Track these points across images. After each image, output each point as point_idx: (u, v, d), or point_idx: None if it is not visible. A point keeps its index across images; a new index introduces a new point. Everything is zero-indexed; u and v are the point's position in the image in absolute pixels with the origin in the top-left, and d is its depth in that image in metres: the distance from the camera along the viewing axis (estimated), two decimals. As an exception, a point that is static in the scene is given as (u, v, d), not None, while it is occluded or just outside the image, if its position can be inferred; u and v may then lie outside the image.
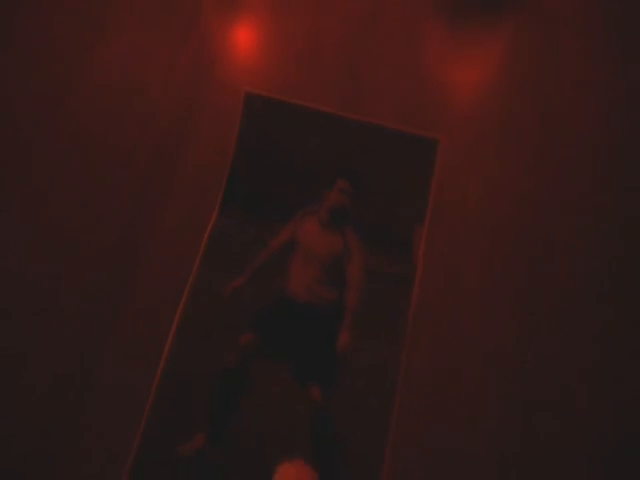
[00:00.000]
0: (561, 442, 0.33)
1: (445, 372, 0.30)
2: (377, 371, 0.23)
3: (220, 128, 0.38)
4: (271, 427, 0.18)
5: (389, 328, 0.24)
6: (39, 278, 0.39)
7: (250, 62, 0.39)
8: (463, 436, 0.32)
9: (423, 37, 0.44)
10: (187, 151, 0.39)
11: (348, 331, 0.24)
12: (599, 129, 0.45)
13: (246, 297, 0.26)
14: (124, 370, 0.32)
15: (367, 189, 0.27)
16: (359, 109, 0.35)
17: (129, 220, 0.41)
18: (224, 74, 0.41)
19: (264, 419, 0.24)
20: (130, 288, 0.37)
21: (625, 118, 0.47)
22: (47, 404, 0.33)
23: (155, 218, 0.39)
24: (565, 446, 0.33)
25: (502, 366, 0.35)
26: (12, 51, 0.44)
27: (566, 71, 0.45)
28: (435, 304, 0.31)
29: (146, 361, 0.31)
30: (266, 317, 0.25)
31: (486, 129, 0.43)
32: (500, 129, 0.44)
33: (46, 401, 0.34)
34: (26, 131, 0.41)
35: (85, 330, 0.37)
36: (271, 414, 0.24)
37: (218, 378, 0.23)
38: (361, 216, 0.26)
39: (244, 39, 0.40)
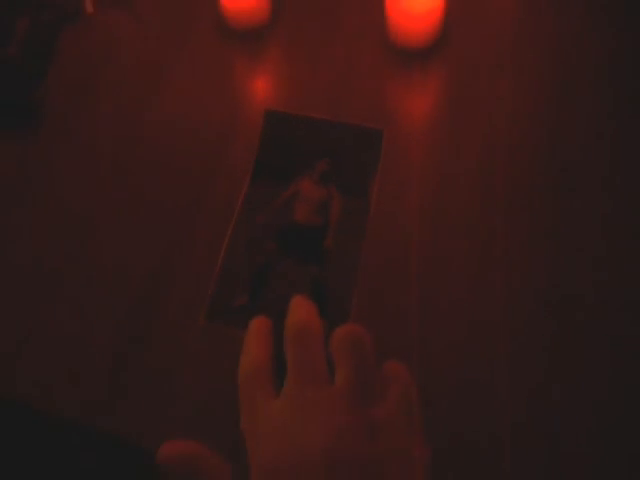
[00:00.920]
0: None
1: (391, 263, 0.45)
2: (346, 257, 0.44)
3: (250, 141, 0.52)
4: (287, 292, 0.31)
5: (354, 235, 0.46)
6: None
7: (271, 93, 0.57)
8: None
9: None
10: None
11: (330, 238, 0.45)
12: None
13: (270, 223, 0.47)
14: (199, 261, 0.46)
15: (340, 162, 0.49)
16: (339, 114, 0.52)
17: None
18: (251, 100, 0.57)
19: (283, 288, 0.44)
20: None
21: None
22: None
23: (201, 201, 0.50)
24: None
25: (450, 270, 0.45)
26: (98, 94, 0.57)
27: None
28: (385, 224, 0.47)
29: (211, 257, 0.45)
30: (282, 233, 0.46)
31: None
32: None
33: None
34: (109, 155, 0.53)
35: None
36: (286, 285, 0.43)
37: (255, 267, 0.45)
38: (338, 178, 0.48)
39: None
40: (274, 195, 0.47)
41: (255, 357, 0.26)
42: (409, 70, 0.55)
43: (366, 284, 0.44)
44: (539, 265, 0.44)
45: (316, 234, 0.46)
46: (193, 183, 0.50)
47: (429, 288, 0.43)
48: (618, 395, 0.39)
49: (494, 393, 0.39)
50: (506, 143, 0.49)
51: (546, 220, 0.45)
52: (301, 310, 0.26)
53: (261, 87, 0.58)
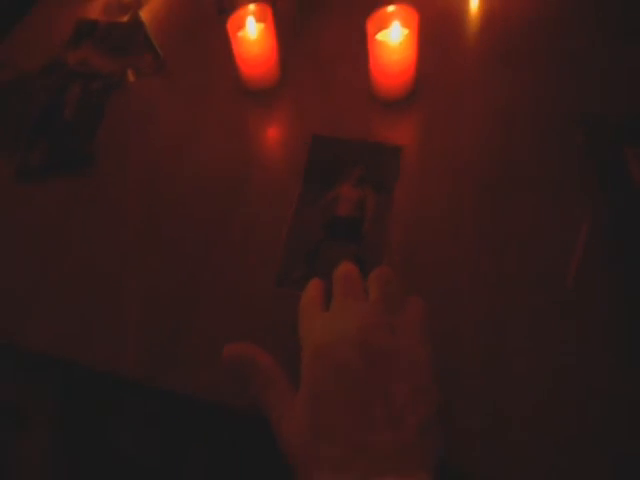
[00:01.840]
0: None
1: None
2: (377, 237, 0.57)
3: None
4: (334, 264, 0.40)
5: (382, 222, 0.58)
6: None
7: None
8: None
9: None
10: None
11: (367, 225, 0.57)
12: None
13: (319, 217, 0.59)
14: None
15: (372, 169, 0.63)
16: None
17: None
18: (264, 142, 0.70)
19: (331, 262, 0.48)
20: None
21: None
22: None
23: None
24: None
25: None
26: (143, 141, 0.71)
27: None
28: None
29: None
30: (327, 225, 0.58)
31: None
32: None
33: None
34: (150, 194, 0.65)
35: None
36: (333, 260, 0.46)
37: (309, 248, 0.57)
38: (370, 180, 0.62)
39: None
40: (320, 196, 0.61)
41: (311, 292, 0.39)
42: (388, 116, 0.68)
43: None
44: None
45: (356, 223, 0.58)
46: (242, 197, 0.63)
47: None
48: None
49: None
50: (471, 175, 0.61)
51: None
52: (345, 263, 0.40)
53: (271, 134, 0.72)
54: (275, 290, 0.54)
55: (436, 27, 0.73)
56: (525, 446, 0.43)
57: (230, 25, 0.69)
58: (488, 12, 0.76)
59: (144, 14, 0.86)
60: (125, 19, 0.86)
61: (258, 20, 0.71)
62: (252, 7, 0.71)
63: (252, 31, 0.70)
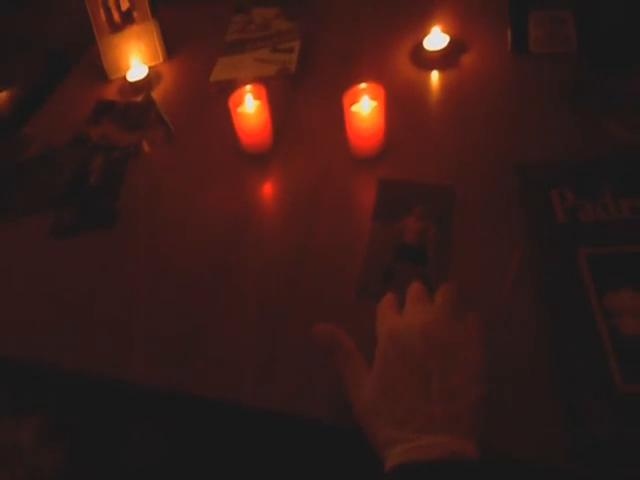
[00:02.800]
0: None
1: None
2: (441, 260, 0.67)
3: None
4: (407, 281, 0.52)
5: (445, 247, 0.69)
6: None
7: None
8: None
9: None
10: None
11: (431, 251, 0.66)
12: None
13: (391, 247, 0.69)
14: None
15: (434, 206, 0.73)
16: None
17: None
18: (260, 198, 0.83)
19: (403, 280, 0.58)
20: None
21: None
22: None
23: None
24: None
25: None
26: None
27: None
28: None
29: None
30: (397, 251, 0.68)
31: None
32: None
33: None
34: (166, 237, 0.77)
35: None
36: (405, 279, 0.57)
37: (384, 269, 0.67)
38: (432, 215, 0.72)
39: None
40: (390, 228, 0.71)
41: (388, 298, 0.50)
42: (364, 170, 0.81)
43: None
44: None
45: (421, 249, 0.68)
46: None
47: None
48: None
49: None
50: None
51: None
52: (416, 281, 0.51)
53: (266, 191, 0.85)
54: (356, 302, 0.64)
55: (401, 98, 0.88)
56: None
57: (231, 102, 0.84)
58: (445, 85, 0.92)
59: (155, 94, 1.02)
60: (139, 99, 1.01)
61: (255, 98, 0.85)
62: (249, 87, 0.86)
63: (250, 107, 0.85)
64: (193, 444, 0.69)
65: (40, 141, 0.93)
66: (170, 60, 1.10)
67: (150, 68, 1.06)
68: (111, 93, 1.05)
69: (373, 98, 0.80)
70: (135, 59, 1.08)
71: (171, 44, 1.12)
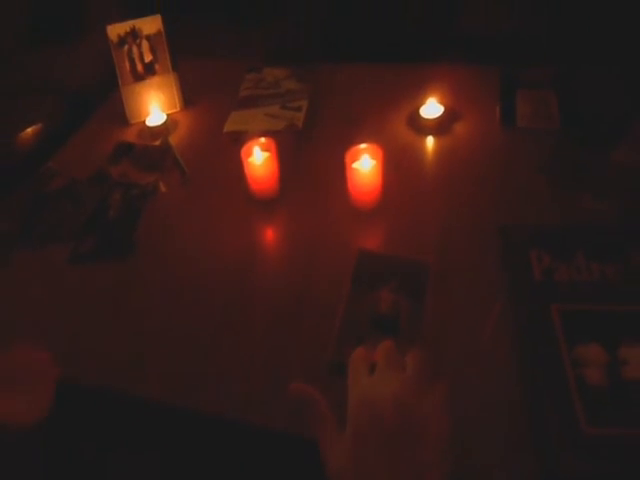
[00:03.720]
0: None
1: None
2: (413, 329, 0.71)
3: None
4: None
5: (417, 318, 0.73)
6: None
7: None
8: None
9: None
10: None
11: (403, 322, 0.71)
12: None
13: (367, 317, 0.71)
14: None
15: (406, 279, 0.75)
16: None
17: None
18: (266, 239, 0.90)
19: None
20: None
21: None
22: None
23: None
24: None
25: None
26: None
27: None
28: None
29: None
30: (373, 320, 0.71)
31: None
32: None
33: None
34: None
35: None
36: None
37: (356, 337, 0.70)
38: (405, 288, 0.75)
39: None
40: (365, 297, 0.74)
41: (361, 353, 0.49)
42: (363, 222, 0.89)
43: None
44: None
45: (394, 320, 0.71)
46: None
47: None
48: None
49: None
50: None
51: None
52: (388, 340, 0.49)
53: (271, 233, 0.92)
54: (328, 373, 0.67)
55: (398, 159, 0.97)
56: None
57: (243, 152, 0.92)
58: (438, 150, 1.01)
59: (172, 139, 1.10)
60: (157, 143, 1.09)
61: (264, 150, 0.94)
62: (261, 140, 0.94)
63: (259, 158, 0.93)
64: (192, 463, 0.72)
65: (64, 175, 1.00)
66: (187, 109, 1.20)
67: (168, 115, 1.15)
68: (131, 136, 1.13)
69: (373, 157, 0.89)
70: (155, 106, 1.17)
71: (188, 95, 1.21)
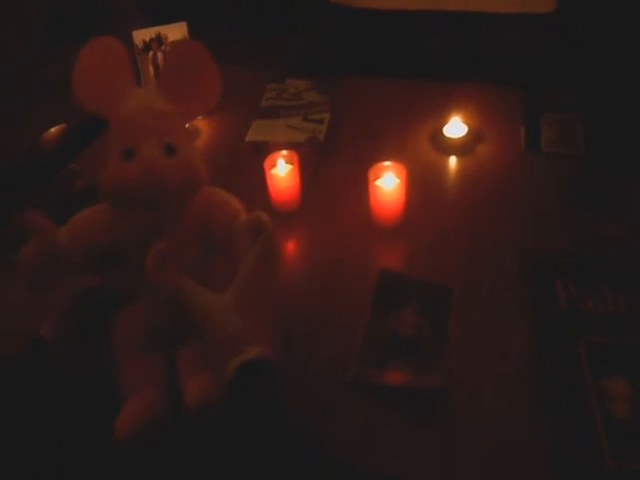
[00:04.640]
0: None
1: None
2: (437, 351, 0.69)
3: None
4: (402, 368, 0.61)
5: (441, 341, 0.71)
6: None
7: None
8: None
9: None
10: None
11: (425, 344, 0.70)
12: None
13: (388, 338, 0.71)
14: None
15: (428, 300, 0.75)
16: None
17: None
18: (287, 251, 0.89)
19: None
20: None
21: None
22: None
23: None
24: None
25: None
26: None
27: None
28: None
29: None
30: (394, 339, 0.71)
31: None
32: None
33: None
34: None
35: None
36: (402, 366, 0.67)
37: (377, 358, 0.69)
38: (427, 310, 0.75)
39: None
40: (387, 318, 0.73)
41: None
42: (384, 241, 0.88)
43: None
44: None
45: (416, 342, 0.70)
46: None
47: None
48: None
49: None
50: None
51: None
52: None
53: (290, 247, 0.91)
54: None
55: (420, 178, 0.96)
56: None
57: (266, 164, 0.92)
58: (461, 171, 1.01)
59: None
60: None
61: (287, 162, 0.93)
62: (284, 152, 0.94)
63: (282, 170, 0.93)
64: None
65: (86, 177, 0.99)
66: (209, 117, 1.20)
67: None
68: (152, 141, 1.13)
69: (396, 176, 0.88)
70: (177, 112, 1.17)
71: (211, 102, 1.21)
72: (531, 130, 1.04)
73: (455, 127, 1.05)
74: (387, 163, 0.88)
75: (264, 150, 1.01)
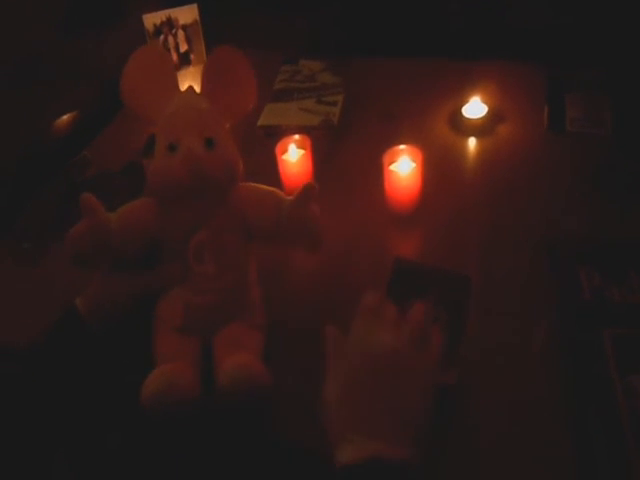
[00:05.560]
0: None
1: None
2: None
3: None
4: None
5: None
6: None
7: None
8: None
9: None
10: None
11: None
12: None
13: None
14: None
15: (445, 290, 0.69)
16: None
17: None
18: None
19: None
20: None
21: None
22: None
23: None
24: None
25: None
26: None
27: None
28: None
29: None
30: None
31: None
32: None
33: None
34: None
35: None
36: None
37: None
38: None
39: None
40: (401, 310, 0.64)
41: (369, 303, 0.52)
42: (400, 228, 0.86)
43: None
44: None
45: None
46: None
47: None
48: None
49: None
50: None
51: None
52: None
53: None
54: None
55: (438, 161, 0.92)
56: None
57: (278, 149, 0.89)
58: (481, 153, 0.97)
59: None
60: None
61: (299, 147, 0.91)
62: (296, 137, 0.91)
63: (294, 156, 0.90)
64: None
65: (98, 165, 0.99)
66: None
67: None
68: (163, 127, 1.11)
69: (412, 160, 0.85)
70: (189, 97, 1.15)
71: (223, 86, 1.19)
72: (555, 109, 0.99)
73: (474, 107, 1.00)
74: (402, 147, 0.85)
75: (276, 134, 0.98)
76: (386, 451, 0.43)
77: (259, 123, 1.08)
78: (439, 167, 0.91)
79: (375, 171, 0.85)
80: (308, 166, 0.90)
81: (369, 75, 1.18)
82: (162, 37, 1.20)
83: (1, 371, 0.67)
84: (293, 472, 0.63)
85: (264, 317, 0.70)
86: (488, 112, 1.00)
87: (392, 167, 0.85)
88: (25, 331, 0.72)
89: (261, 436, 0.64)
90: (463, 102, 1.01)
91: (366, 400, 0.46)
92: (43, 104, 1.19)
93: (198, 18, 1.20)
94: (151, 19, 1.18)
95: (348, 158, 0.99)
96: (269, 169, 0.91)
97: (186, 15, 1.20)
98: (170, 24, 1.20)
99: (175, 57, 1.22)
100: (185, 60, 1.23)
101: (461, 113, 1.01)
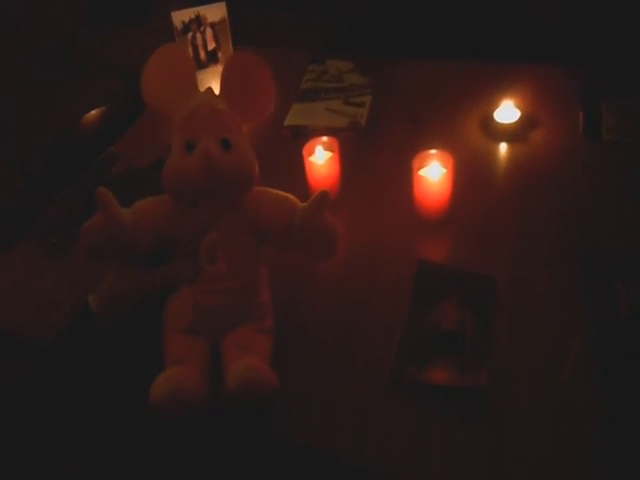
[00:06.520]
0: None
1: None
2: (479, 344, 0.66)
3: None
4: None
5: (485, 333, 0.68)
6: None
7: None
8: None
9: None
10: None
11: (468, 339, 0.66)
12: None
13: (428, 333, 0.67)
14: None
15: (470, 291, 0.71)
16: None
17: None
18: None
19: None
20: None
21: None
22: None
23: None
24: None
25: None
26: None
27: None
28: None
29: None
30: (436, 334, 0.67)
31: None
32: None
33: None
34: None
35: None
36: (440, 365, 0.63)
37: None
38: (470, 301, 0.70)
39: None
40: (427, 312, 0.69)
41: None
42: (428, 234, 0.84)
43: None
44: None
45: (459, 338, 0.66)
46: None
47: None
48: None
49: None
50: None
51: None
52: None
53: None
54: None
55: (469, 167, 0.89)
56: None
57: (305, 150, 0.88)
58: (513, 159, 0.94)
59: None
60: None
61: (326, 149, 0.89)
62: (324, 139, 0.90)
63: (321, 158, 0.89)
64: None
65: (124, 161, 0.99)
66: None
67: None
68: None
69: (443, 165, 0.83)
70: (216, 95, 1.15)
71: (250, 85, 1.18)
72: (590, 116, 0.96)
73: (507, 112, 0.98)
74: (433, 151, 0.83)
75: (303, 135, 0.97)
76: None
77: (286, 123, 1.07)
78: (469, 173, 0.89)
79: (403, 176, 0.84)
80: (335, 169, 0.89)
81: (398, 76, 1.17)
82: (190, 34, 1.19)
83: (22, 364, 0.67)
84: (299, 471, 0.63)
85: (273, 321, 0.70)
86: (521, 117, 0.97)
87: (422, 172, 0.83)
88: (50, 325, 0.73)
89: (268, 436, 0.64)
90: (495, 106, 0.99)
91: None
92: (72, 99, 1.20)
93: (226, 16, 1.20)
94: (180, 16, 1.18)
95: (376, 161, 0.98)
96: (296, 170, 0.90)
97: (214, 13, 1.19)
98: (198, 22, 1.19)
99: (203, 55, 1.21)
100: (213, 58, 1.23)
101: (493, 117, 0.99)
